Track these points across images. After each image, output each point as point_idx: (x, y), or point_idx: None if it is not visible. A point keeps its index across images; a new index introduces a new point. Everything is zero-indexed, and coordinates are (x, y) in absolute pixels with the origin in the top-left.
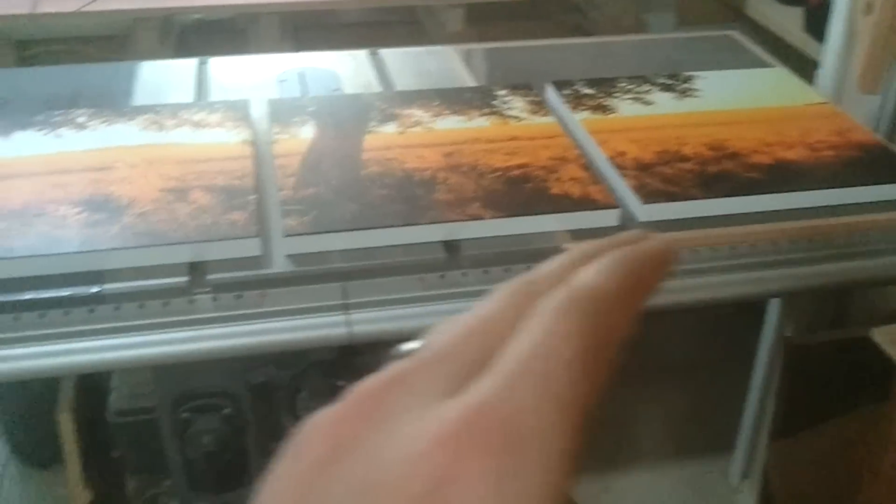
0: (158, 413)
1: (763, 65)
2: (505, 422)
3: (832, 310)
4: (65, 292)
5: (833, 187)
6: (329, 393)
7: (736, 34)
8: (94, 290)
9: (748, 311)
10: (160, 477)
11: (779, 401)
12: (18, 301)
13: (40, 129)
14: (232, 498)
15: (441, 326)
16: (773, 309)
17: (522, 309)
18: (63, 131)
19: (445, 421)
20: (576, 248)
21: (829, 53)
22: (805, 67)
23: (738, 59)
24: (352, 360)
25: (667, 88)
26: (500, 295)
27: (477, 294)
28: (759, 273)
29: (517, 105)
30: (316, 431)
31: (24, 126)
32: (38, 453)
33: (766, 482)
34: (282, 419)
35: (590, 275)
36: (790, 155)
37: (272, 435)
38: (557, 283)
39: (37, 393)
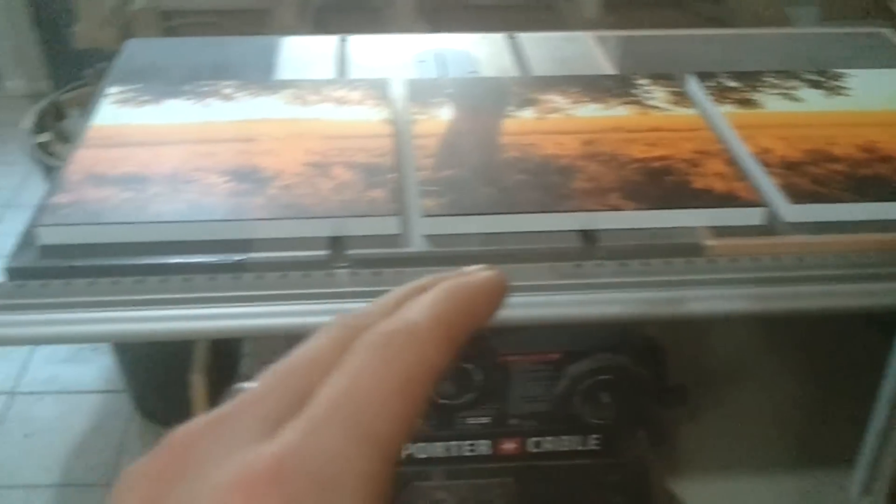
0: None
1: None
2: (310, 467)
3: None
4: (211, 258)
5: None
6: (454, 375)
7: (887, 32)
8: (239, 257)
9: (881, 320)
10: None
11: None
12: (166, 264)
13: (188, 98)
14: None
15: (273, 365)
16: None
17: (345, 345)
18: (210, 101)
19: (249, 467)
20: (411, 283)
21: None
22: None
23: (889, 59)
24: (477, 343)
25: (815, 85)
26: (323, 331)
27: (612, 286)
28: None
29: (658, 95)
30: (127, 486)
31: (173, 95)
32: (161, 411)
33: (892, 498)
34: None
35: (410, 310)
36: None
37: None
38: (382, 318)
39: (164, 353)
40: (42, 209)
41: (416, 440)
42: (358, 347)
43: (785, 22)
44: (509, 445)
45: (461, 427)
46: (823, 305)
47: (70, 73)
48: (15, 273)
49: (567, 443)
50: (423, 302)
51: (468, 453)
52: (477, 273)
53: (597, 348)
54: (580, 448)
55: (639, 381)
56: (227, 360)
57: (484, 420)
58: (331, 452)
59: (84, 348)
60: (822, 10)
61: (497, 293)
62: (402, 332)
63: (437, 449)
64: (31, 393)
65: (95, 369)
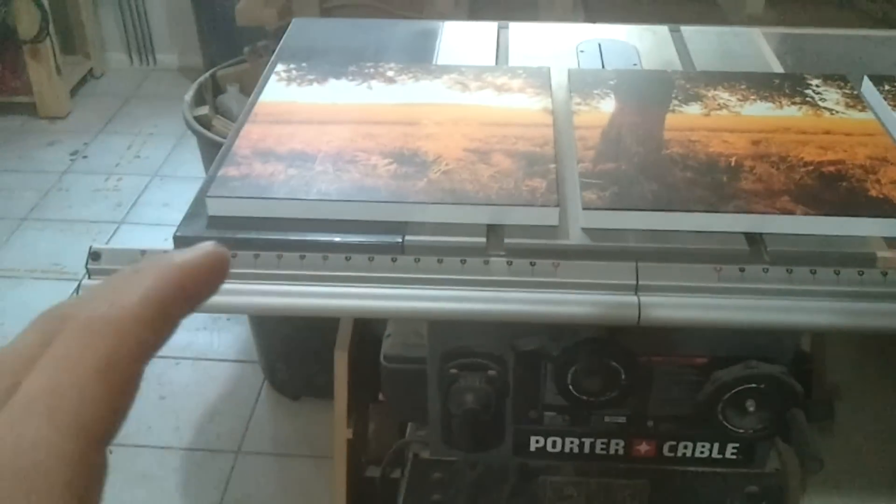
0: (427, 364)
1: None
2: (7, 457)
3: None
4: (372, 239)
5: None
6: (598, 370)
7: None
8: (398, 240)
9: None
10: (418, 426)
11: None
12: (328, 243)
13: (352, 80)
14: (480, 458)
15: None
16: None
17: (52, 336)
18: (374, 83)
19: None
20: (126, 268)
21: None
22: None
23: None
24: (623, 342)
25: None
26: (31, 325)
27: (777, 293)
28: None
29: (831, 97)
30: None
31: (338, 75)
32: (290, 384)
33: None
34: (543, 389)
35: (119, 293)
36: None
37: (531, 403)
38: (89, 305)
39: (298, 328)
40: (211, 180)
41: (548, 434)
42: (60, 336)
43: None
44: (645, 447)
45: (597, 424)
46: None
47: (222, 50)
48: (181, 241)
49: (706, 449)
50: (132, 283)
51: (601, 451)
52: (194, 250)
53: (746, 355)
54: (719, 456)
55: (788, 392)
56: (369, 340)
57: (621, 420)
58: (32, 440)
59: (220, 317)
60: None
61: (216, 270)
62: (102, 316)
63: (570, 444)
64: (168, 357)
65: (230, 338)
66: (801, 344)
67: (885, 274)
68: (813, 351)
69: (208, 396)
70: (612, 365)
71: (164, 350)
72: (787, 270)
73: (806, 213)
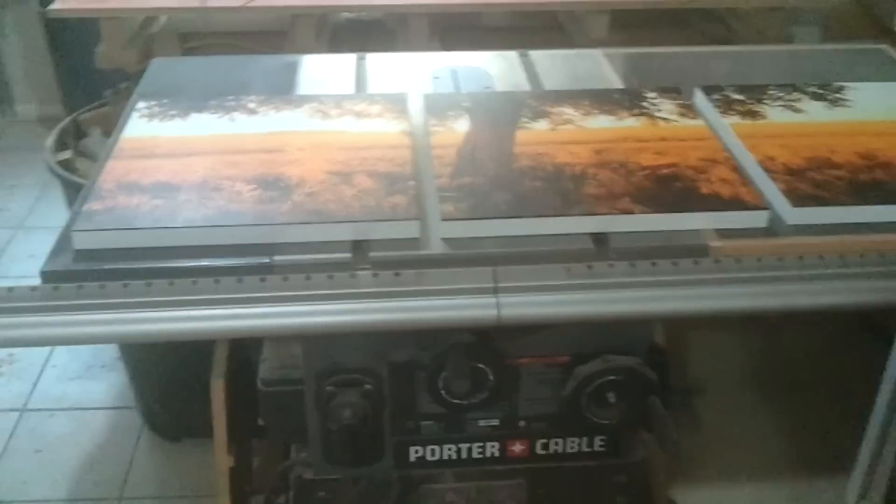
0: (304, 384)
1: None
2: None
3: None
4: (239, 261)
5: None
6: (467, 374)
7: (887, 48)
8: (266, 260)
9: (882, 327)
10: (299, 447)
11: None
12: (197, 267)
13: (215, 113)
14: (363, 473)
15: None
16: None
17: None
18: (236, 115)
19: None
20: None
21: None
22: None
23: (889, 73)
24: (490, 345)
25: (817, 97)
26: None
27: (623, 285)
28: None
29: (666, 107)
30: None
31: (199, 109)
32: (170, 426)
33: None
34: (418, 400)
35: None
36: None
37: (407, 414)
38: None
39: (174, 369)
40: (76, 215)
41: (426, 443)
42: None
43: (787, 41)
44: (518, 447)
45: (472, 429)
46: (822, 303)
47: (83, 96)
48: (50, 276)
49: (576, 444)
50: None
51: (478, 455)
52: None
53: (604, 350)
54: (588, 449)
55: (644, 382)
56: (246, 366)
57: (494, 423)
58: None
59: (94, 365)
60: (824, 30)
61: None
62: None
63: (448, 451)
64: (43, 410)
65: (105, 387)
66: (656, 338)
67: (717, 261)
68: (668, 344)
69: (86, 446)
70: (479, 367)
71: (38, 402)
72: (631, 265)
73: (644, 212)
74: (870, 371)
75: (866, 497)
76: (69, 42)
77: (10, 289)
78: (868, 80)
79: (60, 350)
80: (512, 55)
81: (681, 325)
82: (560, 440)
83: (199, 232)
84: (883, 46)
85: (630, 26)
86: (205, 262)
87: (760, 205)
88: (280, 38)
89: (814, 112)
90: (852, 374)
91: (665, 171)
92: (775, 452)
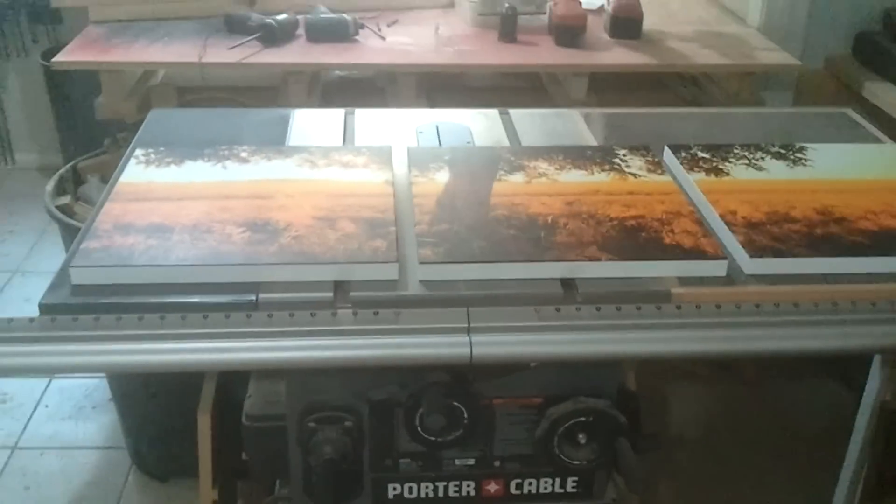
0: (287, 420)
1: (876, 141)
2: None
3: None
4: (226, 298)
5: None
6: (444, 411)
7: (851, 112)
8: (252, 298)
9: (851, 379)
10: (282, 482)
11: (871, 465)
12: (186, 303)
13: (208, 161)
14: None
15: None
16: (875, 374)
17: None
18: (229, 163)
19: None
20: None
21: None
22: None
23: (852, 135)
24: (465, 383)
25: (780, 157)
26: None
27: (588, 328)
28: (860, 328)
29: (636, 164)
30: None
31: (194, 157)
32: (159, 466)
33: None
34: (397, 437)
35: None
36: (895, 223)
37: (386, 451)
38: None
39: (163, 410)
40: (73, 253)
41: (404, 480)
42: None
43: (759, 104)
44: (493, 486)
45: (448, 468)
46: (776, 348)
47: (82, 146)
48: (47, 309)
49: (549, 484)
50: None
51: (454, 494)
52: None
53: (575, 393)
54: (561, 490)
55: (613, 424)
56: (230, 402)
57: (470, 462)
58: None
59: (86, 406)
60: (797, 95)
61: None
62: None
63: (425, 490)
64: (32, 448)
65: (95, 427)
66: (627, 382)
67: (678, 307)
68: (641, 390)
69: (75, 484)
70: (454, 405)
71: (28, 441)
72: (597, 308)
73: (610, 260)
74: (842, 423)
75: None
76: (69, 93)
77: (10, 320)
78: (830, 140)
79: (53, 390)
80: (493, 113)
81: (661, 374)
82: (534, 480)
83: (190, 270)
84: (847, 110)
85: (609, 88)
86: (194, 299)
87: (720, 255)
88: (274, 93)
89: (775, 170)
90: (826, 426)
91: (631, 222)
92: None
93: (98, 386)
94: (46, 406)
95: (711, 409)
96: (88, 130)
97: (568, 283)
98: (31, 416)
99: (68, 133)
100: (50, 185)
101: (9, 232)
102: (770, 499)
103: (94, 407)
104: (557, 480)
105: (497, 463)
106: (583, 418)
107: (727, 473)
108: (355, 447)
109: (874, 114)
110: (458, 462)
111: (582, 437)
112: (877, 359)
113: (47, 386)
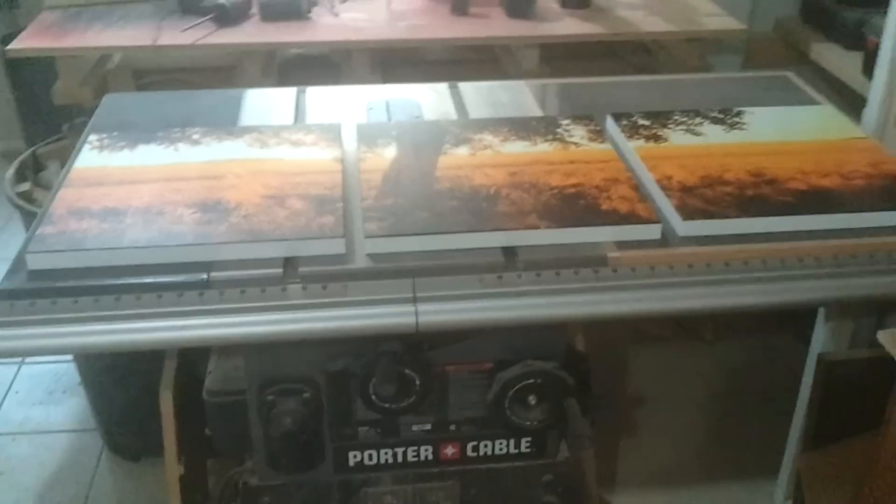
0: (247, 394)
1: (813, 103)
2: None
3: (872, 330)
4: (179, 278)
5: (859, 211)
6: (395, 379)
7: (791, 75)
8: (203, 276)
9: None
10: (244, 455)
11: (810, 416)
12: (140, 284)
13: (161, 144)
14: (305, 478)
15: None
16: (819, 327)
17: None
18: (180, 146)
19: None
20: None
21: (875, 92)
22: (861, 108)
23: (790, 98)
24: (415, 352)
25: (717, 122)
26: None
27: (529, 293)
28: (787, 284)
29: (578, 133)
30: None
31: (147, 141)
32: (130, 447)
33: (800, 497)
34: (355, 406)
35: None
36: (824, 182)
37: (345, 420)
38: None
39: (132, 390)
40: (29, 239)
41: (364, 447)
42: None
43: (709, 70)
44: (450, 450)
45: (407, 434)
46: (708, 306)
47: (44, 131)
48: (5, 294)
49: (504, 446)
50: None
51: (413, 459)
52: None
53: (525, 357)
54: (516, 451)
55: (561, 385)
56: (192, 379)
57: (427, 427)
58: None
59: (56, 390)
60: (746, 59)
61: None
62: None
63: (385, 456)
64: (5, 434)
65: (66, 410)
66: (576, 344)
67: (615, 270)
68: (590, 350)
69: (48, 467)
70: (406, 373)
71: (0, 427)
72: (537, 275)
73: (549, 227)
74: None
75: (792, 496)
76: (29, 79)
77: None
78: (768, 104)
79: (23, 376)
80: (442, 87)
81: (616, 335)
82: (489, 443)
83: (143, 252)
84: (788, 73)
85: (561, 57)
86: (148, 280)
87: (654, 219)
88: (230, 73)
89: (712, 135)
90: (781, 381)
91: (570, 190)
92: (708, 460)
93: (67, 370)
94: (17, 392)
95: (670, 369)
96: (50, 116)
97: (509, 252)
98: (1, 403)
99: (30, 119)
100: (9, 173)
101: None
102: (726, 453)
103: (63, 391)
104: (511, 442)
105: (453, 427)
106: (531, 380)
107: (684, 431)
108: (314, 417)
109: (822, 76)
110: (415, 428)
111: (532, 399)
112: (821, 312)
113: (17, 372)
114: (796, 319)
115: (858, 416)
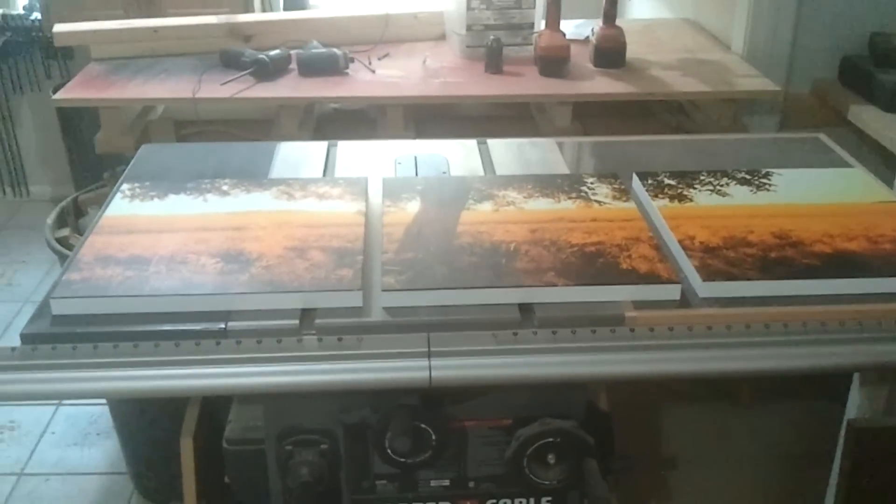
0: (265, 444)
1: (844, 165)
2: None
3: None
4: (197, 326)
5: (886, 276)
6: (411, 433)
7: (823, 137)
8: (221, 326)
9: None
10: None
11: (840, 484)
12: (159, 331)
13: (190, 194)
14: None
15: None
16: (854, 393)
17: None
18: (209, 196)
19: None
20: None
21: None
22: None
23: (821, 160)
24: (432, 407)
25: (745, 182)
26: None
27: (544, 351)
28: (810, 349)
29: (602, 191)
30: None
31: (177, 191)
32: (159, 490)
33: None
34: (372, 459)
35: None
36: (850, 246)
37: (362, 473)
38: None
39: (161, 437)
40: (56, 284)
41: (381, 502)
42: None
43: (745, 130)
44: None
45: (424, 489)
46: (727, 368)
47: (91, 179)
48: (28, 338)
49: None
50: None
51: None
52: None
53: (543, 414)
54: None
55: (580, 444)
56: (213, 426)
57: (445, 483)
58: None
59: (91, 433)
60: (783, 119)
61: None
62: None
63: None
64: (38, 474)
65: (100, 452)
66: (599, 403)
67: (632, 330)
68: (614, 409)
69: None
70: (421, 427)
71: (35, 467)
72: (553, 332)
73: (566, 285)
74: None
75: None
76: (80, 127)
77: (14, 349)
78: (797, 166)
79: (59, 417)
80: (471, 143)
81: (642, 395)
82: (508, 501)
83: (163, 300)
84: (820, 135)
85: (594, 115)
86: (167, 327)
87: (674, 279)
88: (268, 126)
89: (738, 196)
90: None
91: (591, 248)
92: None
93: (103, 413)
94: (53, 433)
95: (704, 430)
96: (97, 164)
97: (526, 308)
98: (37, 443)
99: (79, 166)
100: (51, 218)
101: (21, 262)
102: None
103: (98, 433)
104: (531, 500)
105: (471, 484)
106: (550, 439)
107: (715, 495)
108: (332, 469)
109: (860, 137)
110: (433, 483)
111: (551, 458)
112: (856, 377)
113: (54, 413)
114: (836, 384)
115: (891, 486)
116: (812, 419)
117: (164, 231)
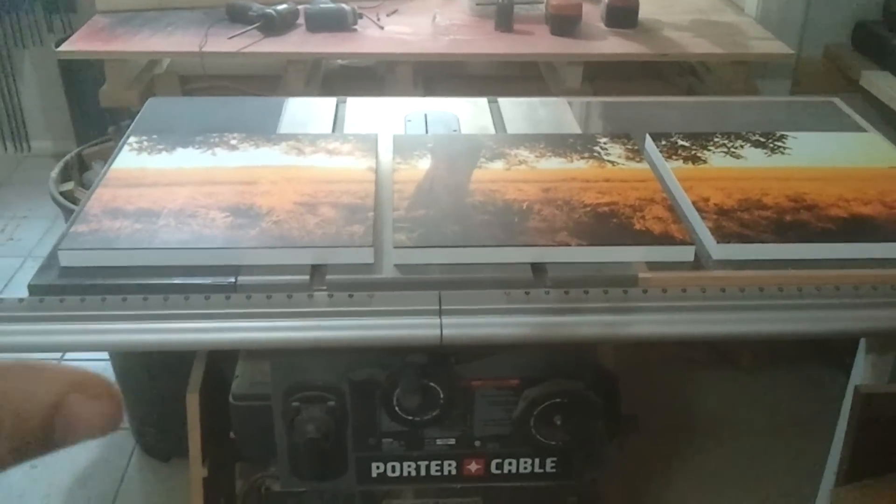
0: (272, 400)
1: (859, 130)
2: None
3: None
4: (207, 280)
5: None
6: (419, 392)
7: (838, 101)
8: (231, 280)
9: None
10: (268, 461)
11: (845, 450)
12: (169, 284)
13: (198, 148)
14: (327, 487)
15: None
16: (859, 358)
17: None
18: (218, 150)
19: None
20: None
21: None
22: None
23: (836, 124)
24: (441, 365)
25: (759, 145)
26: None
27: (556, 311)
28: (823, 312)
29: (615, 151)
30: None
31: (185, 144)
32: (160, 446)
33: None
34: (379, 417)
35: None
36: (866, 210)
37: (369, 430)
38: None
39: (164, 391)
40: (63, 236)
41: (387, 459)
42: None
43: (756, 94)
44: (474, 466)
45: (430, 447)
46: (740, 331)
47: (95, 133)
48: (36, 290)
49: (528, 465)
50: (40, 403)
51: (436, 473)
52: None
53: (552, 375)
54: (540, 470)
55: (588, 405)
56: (219, 381)
57: (451, 441)
58: None
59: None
60: (795, 84)
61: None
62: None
63: (408, 468)
64: None
65: None
66: (606, 364)
67: (645, 291)
68: (623, 370)
69: (80, 463)
70: (431, 386)
71: None
72: (565, 292)
73: (579, 245)
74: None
75: None
76: (82, 82)
77: (0, 300)
78: (814, 130)
79: None
80: (481, 101)
81: (651, 357)
82: (513, 461)
83: (173, 253)
84: (834, 99)
85: (605, 77)
86: (176, 281)
87: (688, 240)
88: (274, 82)
89: (753, 158)
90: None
91: (604, 208)
92: (739, 487)
93: (106, 368)
94: None
95: (706, 395)
96: (100, 118)
97: (538, 268)
98: None
99: (82, 121)
100: (55, 172)
101: (23, 217)
102: (759, 485)
103: None
104: (537, 460)
105: (477, 443)
106: (558, 399)
107: (717, 459)
108: (338, 426)
109: (872, 103)
110: (439, 442)
111: (558, 418)
112: (862, 343)
113: None
114: (839, 350)
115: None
116: (814, 385)
117: (173, 184)
